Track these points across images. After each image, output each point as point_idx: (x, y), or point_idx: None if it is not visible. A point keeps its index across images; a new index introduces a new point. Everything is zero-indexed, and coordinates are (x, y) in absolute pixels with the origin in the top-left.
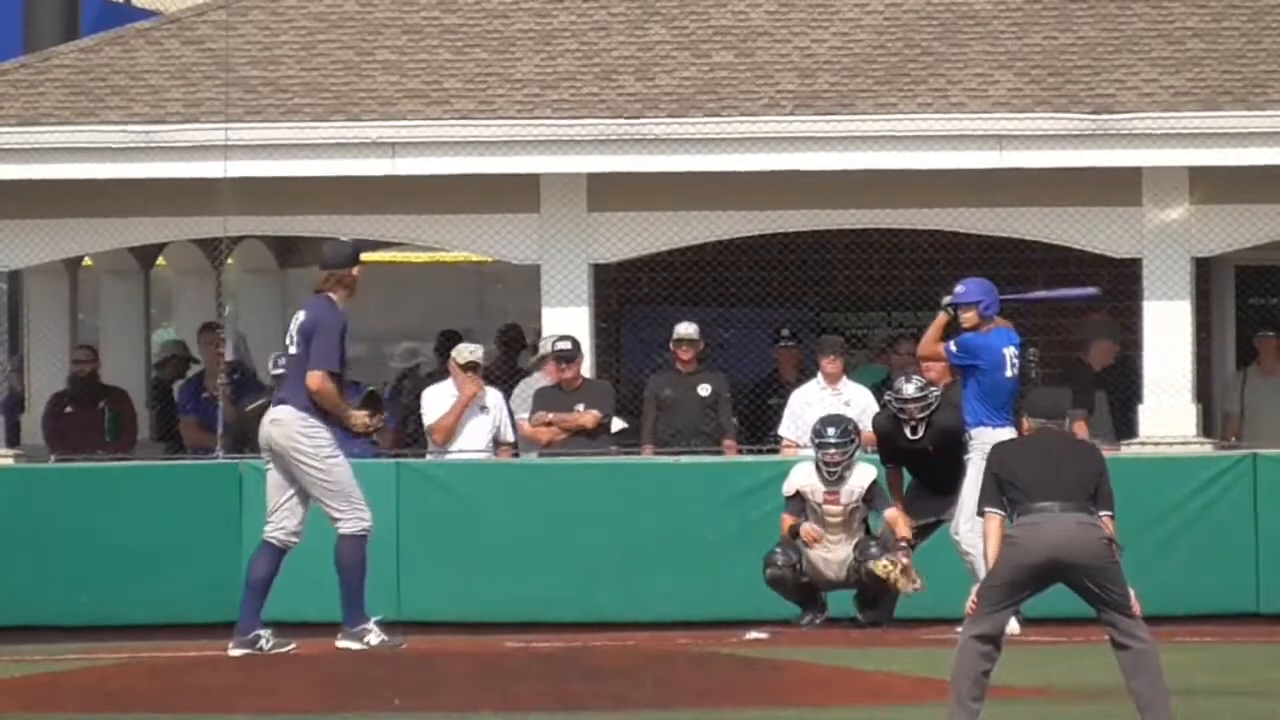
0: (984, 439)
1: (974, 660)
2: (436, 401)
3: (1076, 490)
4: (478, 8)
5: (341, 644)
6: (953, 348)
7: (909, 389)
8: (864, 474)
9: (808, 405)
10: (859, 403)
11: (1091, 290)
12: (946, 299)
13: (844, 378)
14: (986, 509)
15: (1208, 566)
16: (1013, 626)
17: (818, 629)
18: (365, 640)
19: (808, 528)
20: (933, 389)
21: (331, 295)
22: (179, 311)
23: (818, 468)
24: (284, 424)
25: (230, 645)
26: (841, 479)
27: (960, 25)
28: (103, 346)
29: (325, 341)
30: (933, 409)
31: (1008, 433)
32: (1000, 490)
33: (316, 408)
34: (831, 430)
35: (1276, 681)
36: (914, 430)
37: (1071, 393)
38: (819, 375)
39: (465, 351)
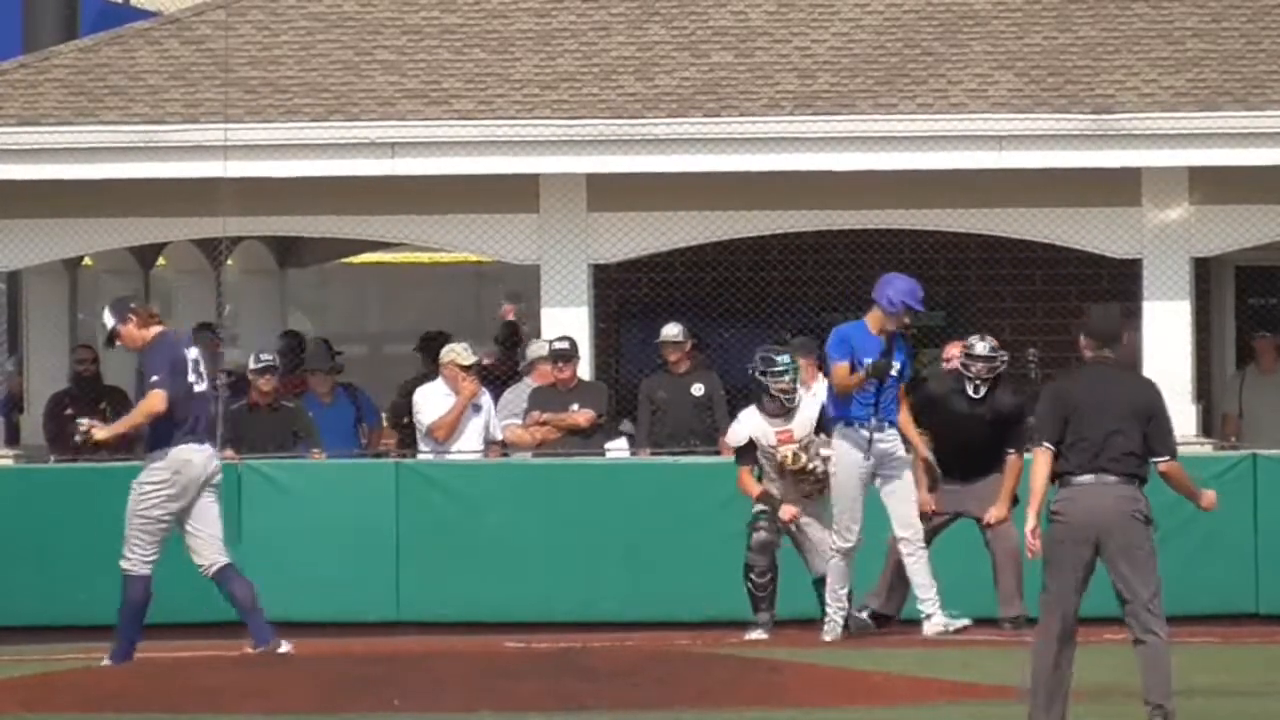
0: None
1: (1050, 659)
2: (432, 401)
3: (1122, 456)
4: (477, 8)
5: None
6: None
7: (981, 347)
8: (812, 403)
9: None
10: None
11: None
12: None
13: (820, 376)
14: (1043, 441)
15: (1207, 567)
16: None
17: (769, 632)
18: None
19: (788, 508)
20: (1002, 354)
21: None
22: (179, 312)
23: (768, 403)
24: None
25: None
26: (793, 411)
27: (960, 25)
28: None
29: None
30: (998, 374)
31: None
32: (1058, 425)
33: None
34: (781, 358)
35: (1276, 682)
36: (977, 390)
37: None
38: None
39: (465, 352)
